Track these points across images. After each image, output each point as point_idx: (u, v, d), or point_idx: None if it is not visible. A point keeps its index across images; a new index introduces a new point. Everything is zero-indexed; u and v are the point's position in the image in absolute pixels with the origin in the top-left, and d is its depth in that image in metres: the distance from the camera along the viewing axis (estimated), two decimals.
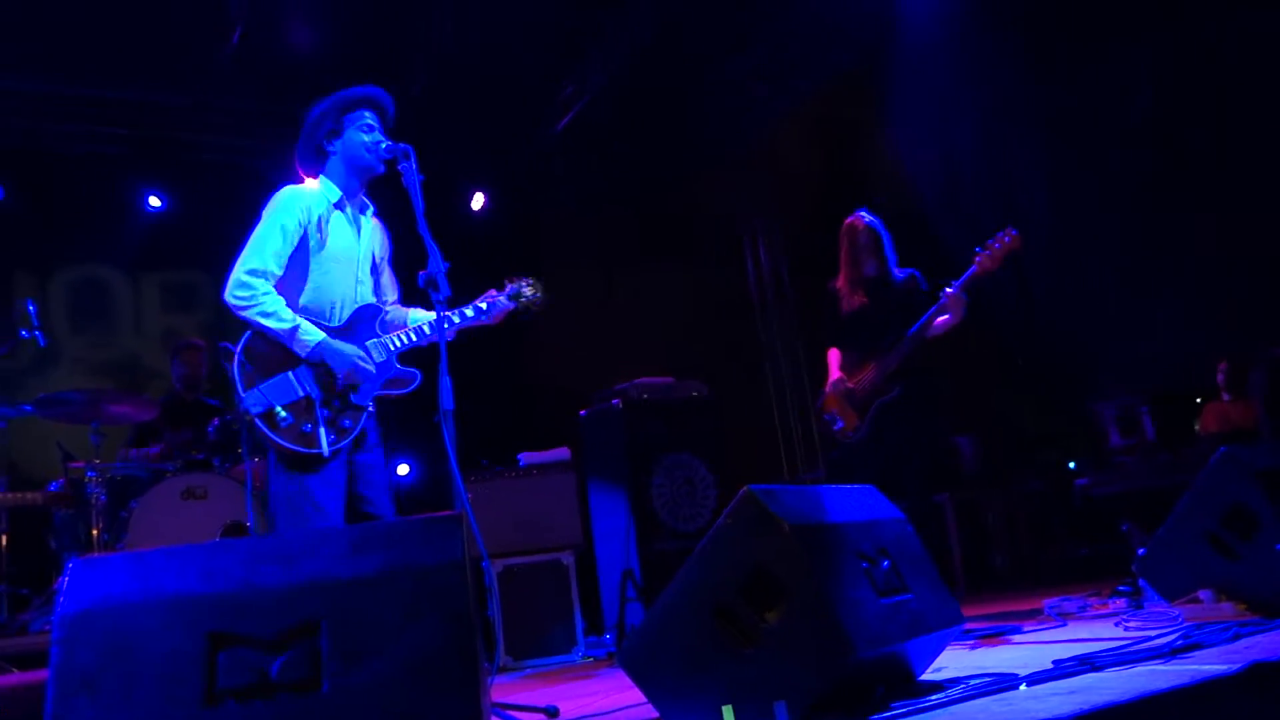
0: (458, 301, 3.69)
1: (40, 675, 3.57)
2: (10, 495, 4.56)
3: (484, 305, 3.71)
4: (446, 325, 3.55)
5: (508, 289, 3.74)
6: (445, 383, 3.12)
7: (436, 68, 7.21)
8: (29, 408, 5.24)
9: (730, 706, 2.47)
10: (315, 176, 3.73)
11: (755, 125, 8.19)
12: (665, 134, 8.17)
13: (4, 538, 5.49)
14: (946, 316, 4.70)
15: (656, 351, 7.39)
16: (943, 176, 7.15)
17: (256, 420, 3.32)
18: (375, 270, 3.72)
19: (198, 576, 2.20)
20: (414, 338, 3.58)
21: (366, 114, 3.64)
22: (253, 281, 3.43)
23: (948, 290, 4.66)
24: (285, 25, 6.69)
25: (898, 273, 5.05)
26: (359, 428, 3.46)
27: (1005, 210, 6.74)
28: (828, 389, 5.07)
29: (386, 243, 3.84)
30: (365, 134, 3.60)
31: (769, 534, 2.48)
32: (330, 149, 3.67)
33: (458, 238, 4.00)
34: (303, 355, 3.42)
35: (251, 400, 3.34)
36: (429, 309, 3.48)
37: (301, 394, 3.39)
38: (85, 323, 7.72)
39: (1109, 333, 6.82)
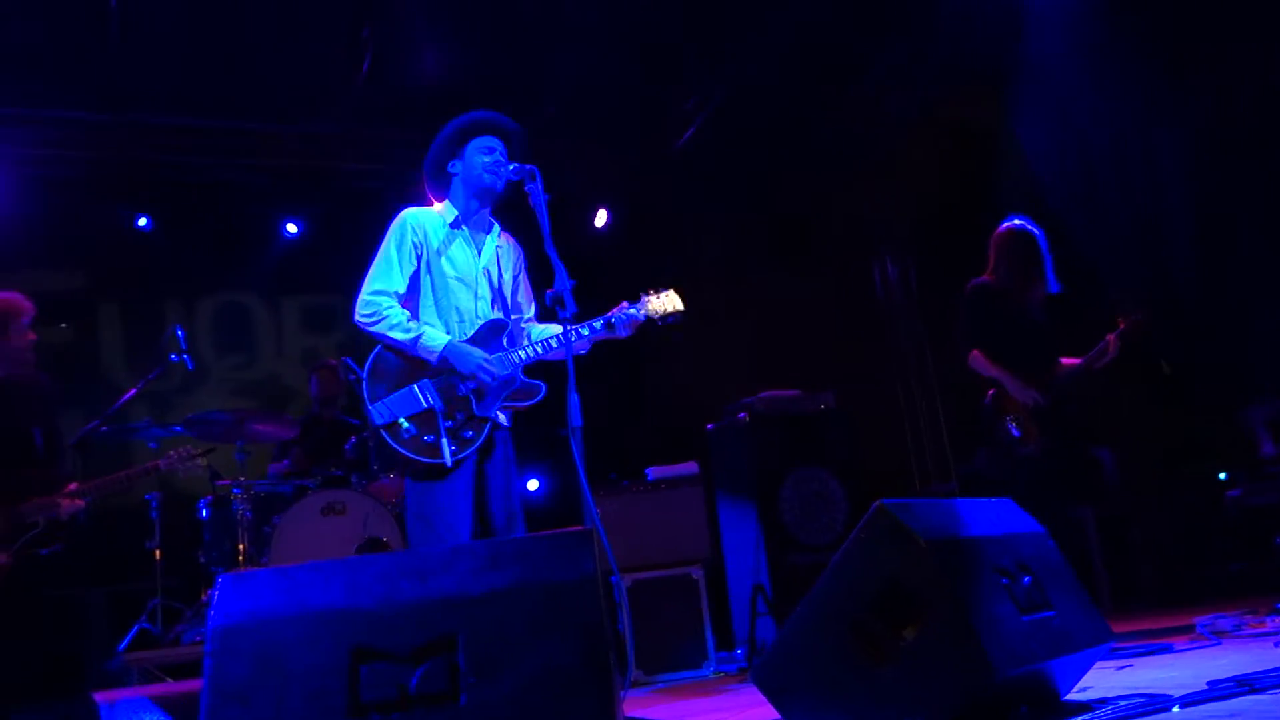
0: (585, 318, 3.75)
1: (193, 685, 3.73)
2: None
3: (613, 319, 3.71)
4: (575, 338, 3.57)
5: (641, 300, 3.73)
6: (574, 399, 3.16)
7: (560, 87, 7.32)
8: (179, 428, 5.48)
9: None
10: (441, 199, 3.82)
11: (884, 132, 8.06)
12: (789, 144, 8.11)
13: (157, 553, 5.74)
14: (1106, 359, 4.72)
15: (783, 364, 7.32)
16: (1077, 180, 6.91)
17: (382, 432, 3.44)
18: (498, 287, 3.76)
19: (341, 591, 2.26)
20: (539, 350, 3.61)
21: (487, 138, 3.74)
22: (376, 299, 3.58)
23: (1110, 337, 4.71)
24: (414, 53, 6.88)
25: (1054, 285, 4.92)
26: (482, 439, 3.51)
27: (1142, 212, 6.48)
28: (1018, 394, 4.79)
29: (517, 260, 3.88)
30: (485, 156, 3.71)
31: (904, 548, 2.43)
32: (452, 171, 3.79)
33: (583, 255, 4.04)
34: (431, 360, 3.51)
35: (377, 412, 3.45)
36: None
37: (425, 406, 3.47)
38: (229, 346, 8.07)
39: (1258, 336, 6.48)
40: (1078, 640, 2.61)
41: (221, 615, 2.25)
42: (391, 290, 3.61)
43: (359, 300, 3.61)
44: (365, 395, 3.48)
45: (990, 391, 4.90)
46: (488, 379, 3.49)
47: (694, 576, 5.74)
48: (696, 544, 5.84)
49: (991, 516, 2.80)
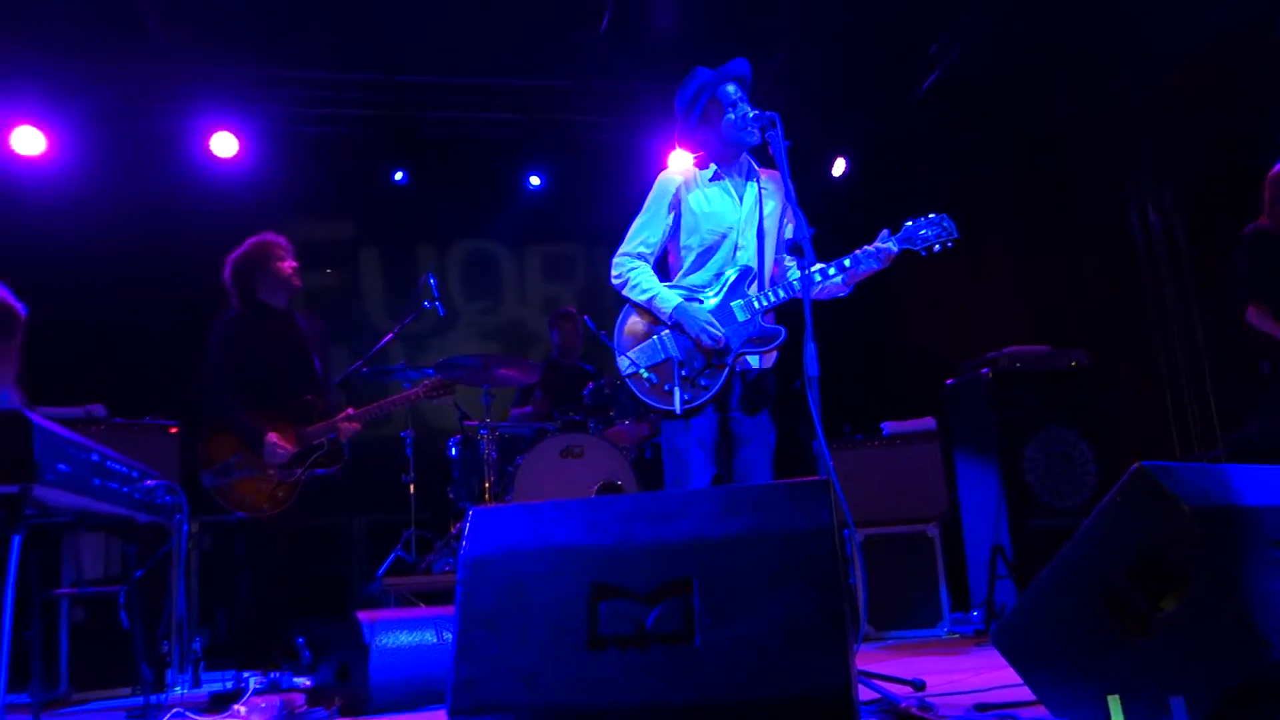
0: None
1: (444, 610, 3.96)
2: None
3: (860, 254, 3.59)
4: (823, 279, 3.57)
5: (903, 230, 3.60)
6: (810, 348, 3.14)
7: (798, 34, 7.18)
8: (431, 371, 5.78)
9: (1117, 697, 2.29)
10: (695, 152, 3.85)
11: (1144, 77, 7.47)
12: (1040, 90, 7.65)
13: (412, 487, 6.12)
14: None
15: (1030, 318, 6.98)
16: None
17: (628, 381, 3.64)
18: (762, 234, 3.74)
19: (582, 529, 2.34)
20: (782, 294, 3.59)
21: (730, 87, 3.73)
22: (622, 261, 3.79)
23: None
24: (652, 4, 6.92)
25: None
26: (717, 386, 3.56)
27: None
28: None
29: (781, 195, 3.80)
30: (733, 110, 3.70)
31: (1166, 515, 2.27)
32: (704, 126, 3.78)
33: (821, 204, 3.97)
34: (665, 320, 3.64)
35: (624, 364, 3.65)
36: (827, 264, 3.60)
37: (664, 356, 3.60)
38: (476, 292, 8.45)
39: None
40: None
41: (473, 546, 2.37)
42: (637, 251, 3.78)
43: (612, 261, 3.82)
44: (616, 348, 3.69)
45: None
46: (707, 341, 3.54)
47: (929, 534, 5.61)
48: (932, 501, 5.70)
49: (1269, 485, 2.57)
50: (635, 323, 3.72)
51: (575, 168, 8.21)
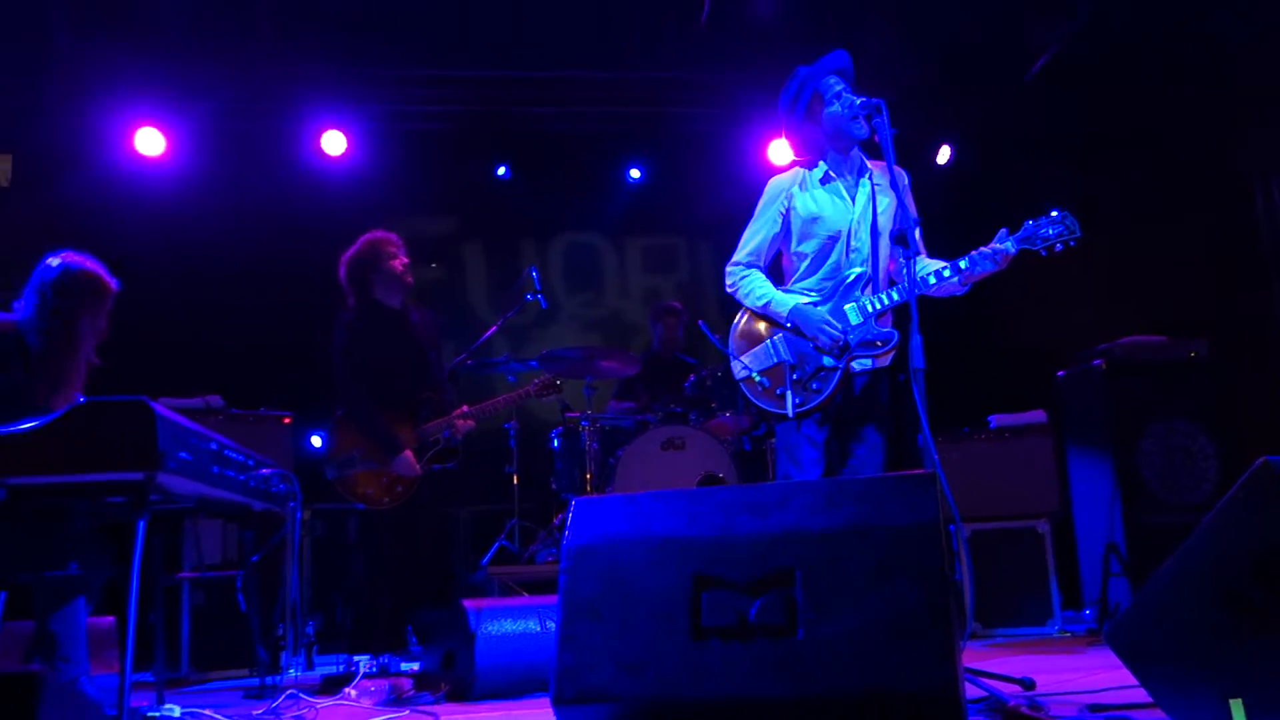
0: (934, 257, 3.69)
1: (547, 599, 4.01)
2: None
3: (976, 256, 3.51)
4: (938, 280, 3.53)
5: (1022, 229, 3.51)
6: (916, 340, 3.11)
7: (901, 17, 7.06)
8: (534, 363, 5.85)
9: (1239, 701, 2.21)
10: (806, 154, 3.82)
11: (1269, 53, 7.14)
12: (1157, 70, 7.37)
13: (515, 478, 6.20)
14: None
15: (1145, 308, 6.73)
16: None
17: (741, 385, 3.69)
18: (876, 234, 3.67)
19: (683, 520, 2.34)
20: (896, 297, 3.55)
21: (832, 80, 3.68)
22: (734, 270, 3.83)
23: None
24: None
25: None
26: (829, 390, 3.55)
27: None
28: None
29: (895, 198, 3.69)
30: (837, 101, 3.64)
31: None
32: (809, 122, 3.74)
33: (926, 193, 3.89)
34: (782, 322, 3.65)
35: (737, 368, 3.71)
36: (946, 258, 3.58)
37: (776, 360, 3.62)
38: (577, 284, 8.52)
39: None
40: None
41: (575, 535, 2.40)
42: (748, 259, 3.81)
43: (725, 269, 3.86)
44: (730, 352, 3.74)
45: None
46: (825, 341, 3.54)
47: (1039, 530, 5.47)
48: (1043, 496, 5.56)
49: None
50: (749, 327, 3.75)
51: (675, 159, 8.20)
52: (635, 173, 8.27)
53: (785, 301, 3.66)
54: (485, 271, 8.43)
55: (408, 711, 3.43)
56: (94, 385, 3.20)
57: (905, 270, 3.31)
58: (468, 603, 3.84)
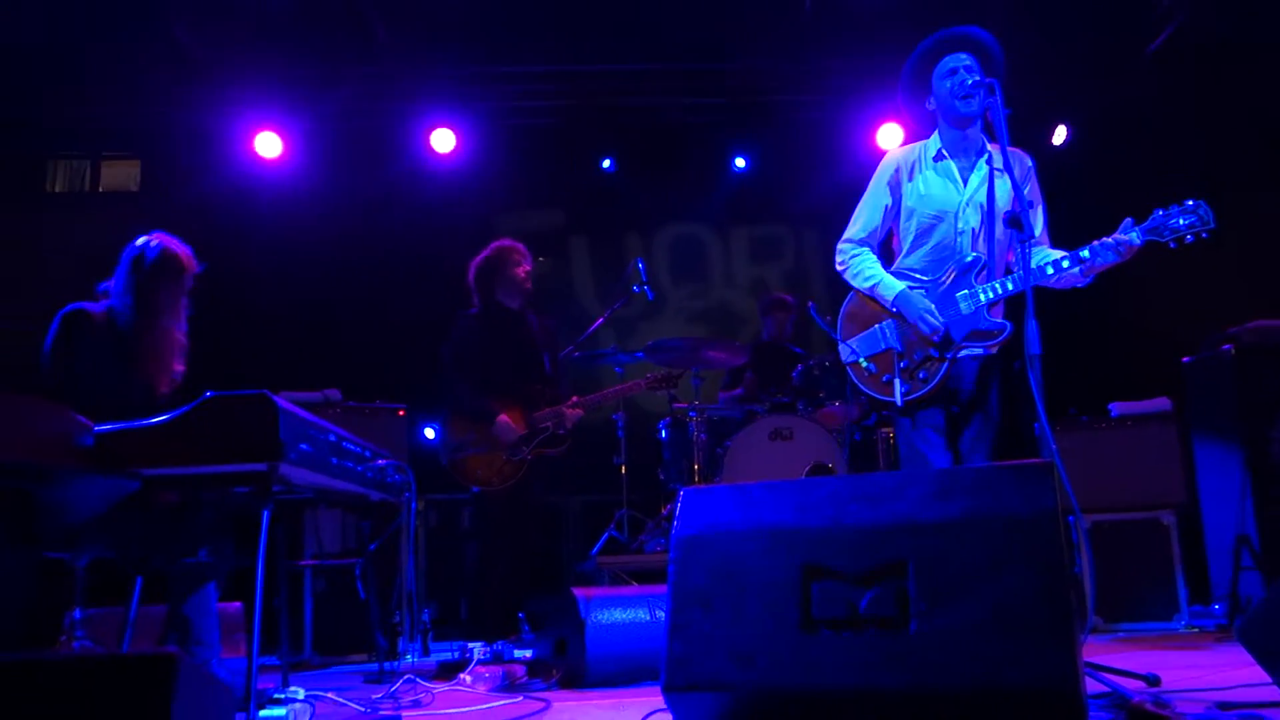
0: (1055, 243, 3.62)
1: (656, 589, 4.03)
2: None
3: (1097, 247, 3.40)
4: (1057, 271, 3.43)
5: (1150, 219, 3.36)
6: (1031, 326, 3.03)
7: None
8: (641, 354, 5.88)
9: None
10: (919, 129, 3.76)
11: None
12: None
13: (623, 468, 6.24)
14: None
15: (1275, 290, 6.43)
16: None
17: (848, 369, 3.65)
18: (989, 218, 3.56)
19: (793, 510, 2.33)
20: (1011, 287, 3.44)
21: (948, 58, 3.55)
22: (845, 248, 3.75)
23: None
24: None
25: None
26: (936, 380, 3.48)
27: None
28: None
29: (1023, 173, 3.60)
30: (948, 79, 3.53)
31: None
32: (926, 103, 3.66)
33: (1041, 175, 3.77)
34: (887, 306, 3.59)
35: (844, 352, 3.66)
36: (1069, 247, 3.49)
37: (884, 346, 3.56)
38: (683, 275, 8.52)
39: None
40: None
41: (684, 526, 2.40)
42: (859, 238, 3.73)
43: (835, 247, 3.79)
44: (837, 335, 3.69)
45: None
46: (926, 329, 3.48)
47: (1164, 522, 5.28)
48: (1168, 487, 5.36)
49: None
50: (858, 310, 3.69)
51: (780, 148, 8.14)
52: (740, 162, 8.23)
53: (893, 286, 3.58)
54: (591, 265, 8.49)
55: (521, 698, 3.49)
56: (218, 380, 3.32)
57: (1020, 256, 3.21)
58: (577, 591, 3.88)
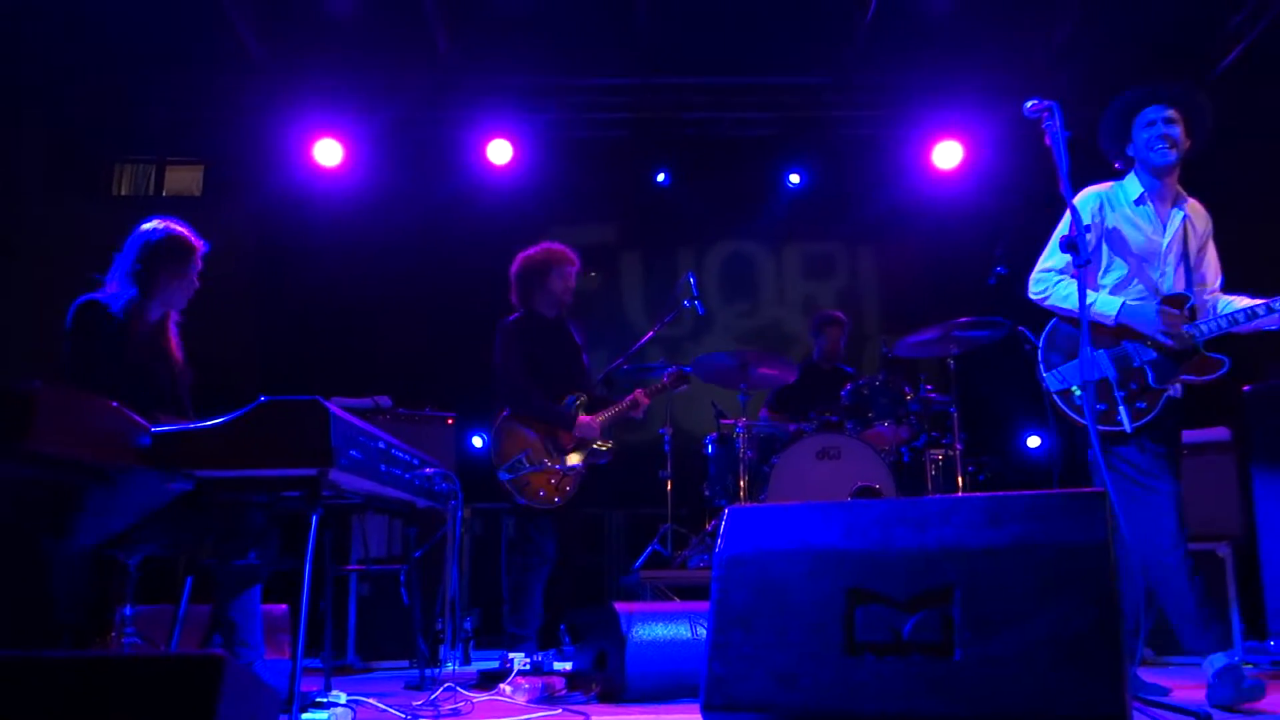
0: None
1: (697, 606, 4.01)
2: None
3: None
4: (1243, 318, 3.50)
5: None
6: (1085, 352, 2.99)
7: (1078, 13, 6.79)
8: (689, 369, 5.86)
9: None
10: (1126, 173, 3.82)
11: None
12: None
13: (669, 483, 6.22)
14: None
15: None
16: None
17: (1055, 397, 3.65)
18: (1184, 263, 3.68)
19: (839, 532, 2.31)
20: (1224, 324, 3.52)
21: (1152, 109, 3.67)
22: (1045, 276, 3.74)
23: None
24: None
25: None
26: (1155, 412, 3.53)
27: None
28: None
29: (1206, 229, 3.79)
30: (1145, 131, 3.67)
31: None
32: (1129, 153, 3.76)
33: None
34: (1107, 323, 3.60)
35: (1051, 379, 3.67)
36: (1253, 297, 3.57)
37: (1099, 375, 3.55)
38: (734, 295, 8.48)
39: None
40: None
41: (729, 545, 2.39)
42: (1059, 268, 3.71)
43: (1031, 277, 3.79)
44: (1041, 362, 3.70)
45: None
46: (1169, 341, 3.51)
47: (1220, 554, 5.17)
48: (1224, 518, 5.24)
49: None
50: (1063, 337, 3.70)
51: (835, 164, 8.10)
52: (795, 178, 8.20)
53: (1111, 302, 3.61)
54: (642, 279, 8.49)
55: (560, 710, 3.48)
56: (272, 385, 3.37)
57: (1077, 278, 3.20)
58: (619, 606, 3.87)
